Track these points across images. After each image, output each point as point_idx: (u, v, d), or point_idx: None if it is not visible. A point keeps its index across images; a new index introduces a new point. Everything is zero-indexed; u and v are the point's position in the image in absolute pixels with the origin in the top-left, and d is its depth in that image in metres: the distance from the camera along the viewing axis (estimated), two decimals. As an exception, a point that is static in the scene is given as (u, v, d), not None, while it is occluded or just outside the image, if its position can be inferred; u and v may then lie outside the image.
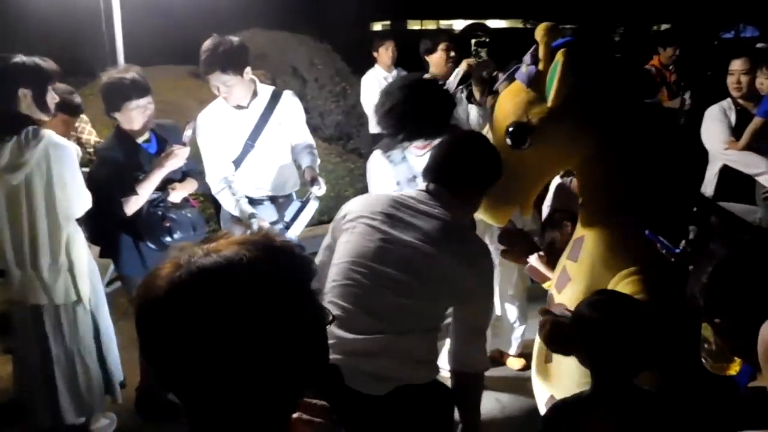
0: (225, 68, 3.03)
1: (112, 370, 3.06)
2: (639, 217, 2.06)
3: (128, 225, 3.05)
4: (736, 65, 3.64)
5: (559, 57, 1.91)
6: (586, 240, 2.15)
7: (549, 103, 1.96)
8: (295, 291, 0.92)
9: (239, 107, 3.20)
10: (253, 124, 3.22)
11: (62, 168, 2.68)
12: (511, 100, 2.08)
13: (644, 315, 1.63)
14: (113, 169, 2.99)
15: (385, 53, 5.79)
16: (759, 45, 6.50)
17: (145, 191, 3.00)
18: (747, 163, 3.54)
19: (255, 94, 3.22)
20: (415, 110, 2.50)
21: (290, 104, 3.34)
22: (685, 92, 5.42)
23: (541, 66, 2.01)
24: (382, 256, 1.90)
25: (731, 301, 1.36)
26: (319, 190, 3.21)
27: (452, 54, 4.62)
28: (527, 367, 3.25)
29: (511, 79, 2.14)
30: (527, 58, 2.06)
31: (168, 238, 3.04)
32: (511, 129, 2.02)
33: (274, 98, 3.27)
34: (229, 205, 3.22)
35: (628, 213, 2.08)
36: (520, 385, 3.35)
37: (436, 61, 4.73)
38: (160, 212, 3.04)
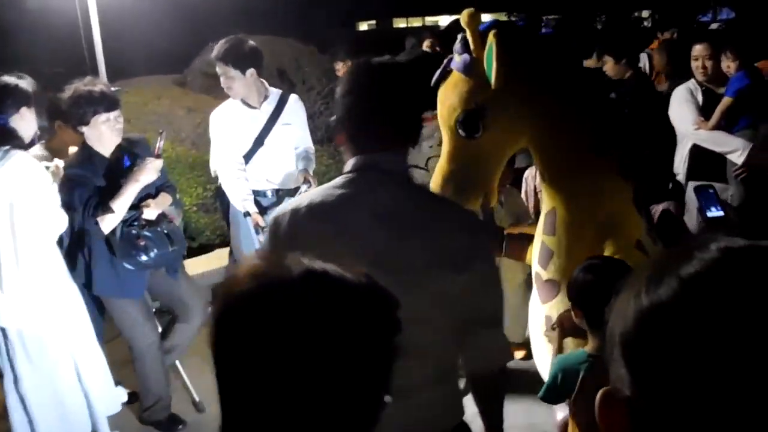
0: (226, 60, 3.32)
1: (92, 401, 2.86)
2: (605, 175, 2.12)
3: (103, 245, 2.95)
4: (699, 50, 3.76)
5: (492, 39, 1.93)
6: (558, 212, 2.18)
7: (493, 86, 1.97)
8: (389, 328, 0.89)
9: (250, 107, 3.44)
10: (263, 123, 3.46)
11: (27, 191, 2.56)
12: (453, 92, 2.08)
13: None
14: (83, 188, 2.87)
15: (344, 69, 6.00)
16: (713, 26, 6.55)
17: (121, 208, 2.89)
18: (717, 141, 3.64)
19: (266, 97, 3.49)
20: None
21: (296, 107, 3.62)
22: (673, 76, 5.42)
23: (474, 53, 2.02)
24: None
25: None
26: (309, 189, 3.28)
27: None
28: (528, 356, 3.16)
29: (445, 73, 2.14)
30: (458, 47, 2.06)
31: (144, 257, 2.94)
32: (461, 119, 2.03)
33: (282, 101, 3.55)
34: (233, 196, 3.47)
35: (593, 174, 2.11)
36: (520, 375, 3.27)
37: None
38: (134, 231, 2.93)
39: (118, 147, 3.02)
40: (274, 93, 3.55)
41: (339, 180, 1.57)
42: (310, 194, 1.59)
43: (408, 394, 1.28)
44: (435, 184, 2.18)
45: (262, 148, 3.48)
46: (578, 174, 2.13)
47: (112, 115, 2.90)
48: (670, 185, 2.74)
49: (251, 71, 3.35)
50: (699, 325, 0.58)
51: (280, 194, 3.53)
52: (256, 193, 3.48)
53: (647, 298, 0.62)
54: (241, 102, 3.45)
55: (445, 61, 2.14)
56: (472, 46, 2.02)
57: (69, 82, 3.00)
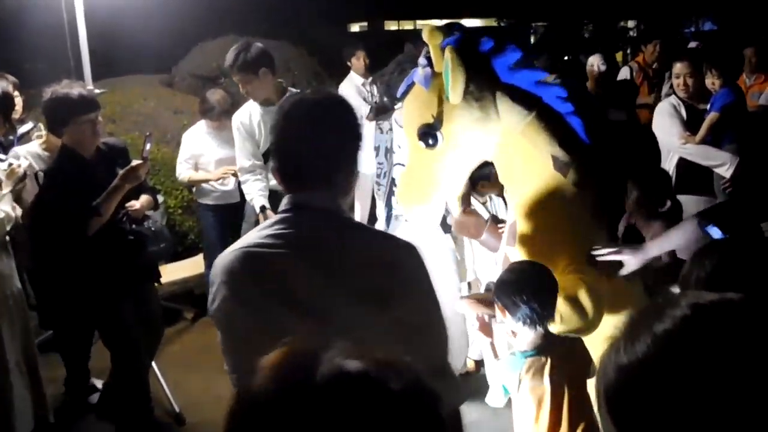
0: (236, 68, 3.53)
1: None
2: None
3: (86, 247, 2.90)
4: (680, 68, 3.86)
5: (447, 54, 2.00)
6: (517, 224, 2.26)
7: (450, 100, 2.06)
8: None
9: (270, 104, 3.54)
10: None
11: None
12: (414, 104, 2.19)
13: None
14: (63, 191, 2.85)
15: (357, 62, 6.12)
16: (692, 44, 6.70)
17: (107, 210, 2.88)
18: (705, 155, 3.75)
19: (284, 94, 3.60)
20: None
21: None
22: (659, 88, 5.48)
23: (436, 67, 2.11)
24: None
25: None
26: None
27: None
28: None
29: (410, 86, 2.22)
30: (422, 60, 2.15)
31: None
32: (421, 132, 2.12)
33: None
34: (248, 193, 3.64)
35: (549, 188, 2.14)
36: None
37: None
38: (125, 228, 2.94)
39: (98, 150, 3.00)
40: (293, 93, 3.58)
41: (273, 220, 1.53)
42: (246, 238, 1.54)
43: None
44: (398, 190, 2.42)
45: None
46: (534, 187, 2.16)
47: (91, 116, 2.89)
48: (668, 203, 2.71)
49: (263, 71, 3.52)
50: (674, 379, 0.63)
51: None
52: (275, 191, 3.48)
53: (625, 355, 0.67)
54: (259, 103, 3.61)
55: (411, 73, 2.23)
56: (434, 61, 2.10)
57: (52, 79, 3.00)
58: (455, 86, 2.01)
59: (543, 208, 2.17)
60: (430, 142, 2.11)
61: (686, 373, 0.62)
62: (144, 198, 3.12)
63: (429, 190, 2.23)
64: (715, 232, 2.00)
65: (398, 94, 2.28)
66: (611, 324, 1.60)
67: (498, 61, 2.09)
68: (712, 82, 3.81)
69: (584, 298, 2.05)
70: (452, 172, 2.22)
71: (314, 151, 1.49)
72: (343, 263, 1.46)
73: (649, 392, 0.63)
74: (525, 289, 2.03)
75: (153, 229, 3.07)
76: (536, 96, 2.11)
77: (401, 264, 1.51)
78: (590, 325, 2.06)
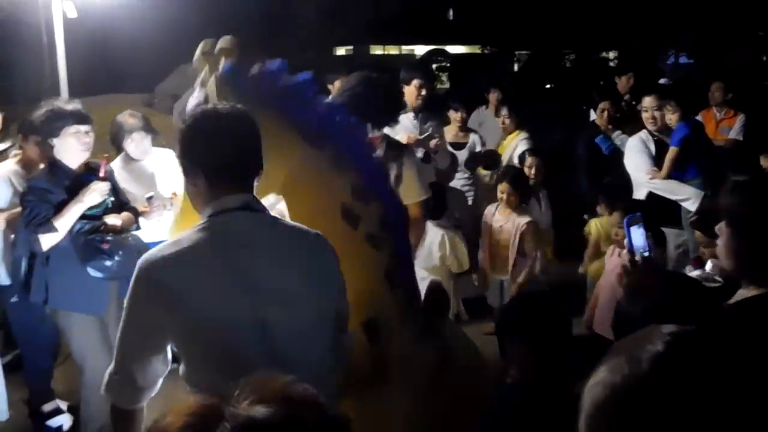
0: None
1: None
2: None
3: (65, 255, 2.94)
4: (648, 102, 4.02)
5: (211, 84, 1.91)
6: None
7: None
8: None
9: None
10: None
11: None
12: None
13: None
14: (38, 202, 2.91)
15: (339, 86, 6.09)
16: (662, 81, 6.84)
17: (63, 226, 2.91)
18: (671, 190, 3.90)
19: None
20: (368, 97, 2.74)
21: None
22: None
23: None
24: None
25: None
26: None
27: (423, 92, 4.60)
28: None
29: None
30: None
31: (108, 262, 2.96)
32: None
33: None
34: None
35: (338, 240, 1.83)
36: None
37: (408, 93, 4.73)
38: (98, 237, 2.97)
39: (86, 164, 3.06)
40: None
41: (202, 225, 1.60)
42: (174, 242, 1.60)
43: None
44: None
45: None
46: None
47: (83, 128, 2.98)
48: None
49: None
50: (663, 399, 0.69)
51: None
52: None
53: (619, 374, 0.72)
54: None
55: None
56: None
57: (29, 97, 3.07)
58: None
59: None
60: None
61: (679, 389, 0.69)
62: (124, 215, 3.15)
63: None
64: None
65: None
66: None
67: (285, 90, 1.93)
68: (669, 118, 3.96)
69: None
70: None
71: (252, 154, 1.64)
72: (283, 256, 1.62)
73: (646, 407, 0.69)
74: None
75: (132, 241, 3.08)
76: (330, 133, 1.94)
77: (323, 252, 1.68)
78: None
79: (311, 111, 2.01)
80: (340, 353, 1.70)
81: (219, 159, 1.59)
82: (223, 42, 2.03)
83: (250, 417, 0.72)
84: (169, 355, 1.64)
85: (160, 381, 1.67)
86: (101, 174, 3.07)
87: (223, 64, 1.99)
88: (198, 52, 2.04)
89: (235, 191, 1.61)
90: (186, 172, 1.64)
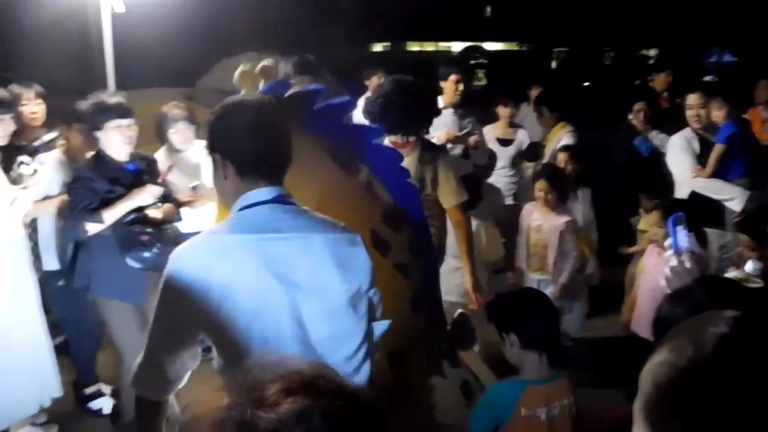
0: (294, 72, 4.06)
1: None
2: None
3: (107, 245, 3.02)
4: (693, 99, 3.89)
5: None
6: None
7: None
8: None
9: None
10: None
11: None
12: None
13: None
14: (83, 190, 3.02)
15: (377, 81, 6.02)
16: (707, 78, 6.69)
17: (110, 219, 3.01)
18: (715, 190, 3.77)
19: None
20: (399, 105, 2.74)
21: None
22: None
23: None
24: None
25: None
26: None
27: (460, 87, 4.62)
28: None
29: None
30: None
31: (147, 253, 3.02)
32: None
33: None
34: None
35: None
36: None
37: (446, 88, 4.73)
38: (137, 228, 3.04)
39: (131, 157, 3.16)
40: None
41: (234, 217, 1.60)
42: (206, 235, 1.63)
43: None
44: None
45: None
46: None
47: (124, 122, 3.06)
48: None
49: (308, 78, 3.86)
50: (729, 382, 0.69)
51: None
52: None
53: (681, 361, 0.73)
54: None
55: None
56: None
57: (76, 89, 3.15)
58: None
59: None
60: None
61: (745, 372, 0.70)
62: (166, 206, 3.22)
63: None
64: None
65: None
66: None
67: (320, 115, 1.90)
68: (715, 114, 3.85)
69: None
70: None
71: (283, 146, 1.64)
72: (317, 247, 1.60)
73: (711, 389, 0.70)
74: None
75: (171, 232, 3.14)
76: (364, 157, 1.91)
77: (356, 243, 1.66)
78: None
79: (346, 134, 1.99)
80: (370, 342, 1.70)
81: (251, 150, 1.58)
82: (264, 62, 2.10)
83: (282, 414, 0.73)
84: (199, 349, 1.64)
85: (188, 375, 1.67)
86: (159, 180, 3.19)
87: (262, 84, 2.03)
88: (239, 71, 2.08)
89: (266, 184, 1.61)
90: (216, 164, 1.64)
